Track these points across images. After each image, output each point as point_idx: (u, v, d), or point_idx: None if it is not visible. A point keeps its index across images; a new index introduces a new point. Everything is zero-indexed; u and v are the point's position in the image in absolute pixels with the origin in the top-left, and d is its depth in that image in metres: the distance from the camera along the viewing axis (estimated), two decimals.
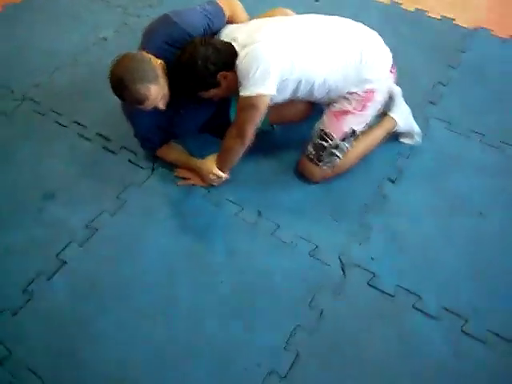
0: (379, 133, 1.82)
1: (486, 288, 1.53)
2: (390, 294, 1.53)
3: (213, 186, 1.80)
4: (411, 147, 1.91)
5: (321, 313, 1.49)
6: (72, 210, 1.80)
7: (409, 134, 1.92)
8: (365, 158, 1.84)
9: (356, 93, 1.65)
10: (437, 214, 1.72)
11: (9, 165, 1.96)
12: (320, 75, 1.61)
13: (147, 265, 1.64)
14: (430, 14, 2.54)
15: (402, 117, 1.85)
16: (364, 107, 1.67)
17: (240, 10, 1.83)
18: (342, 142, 1.70)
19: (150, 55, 1.64)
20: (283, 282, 1.57)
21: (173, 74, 1.65)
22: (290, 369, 1.38)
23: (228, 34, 1.69)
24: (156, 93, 1.58)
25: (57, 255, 1.66)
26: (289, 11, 1.92)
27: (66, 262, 1.65)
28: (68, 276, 1.62)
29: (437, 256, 1.61)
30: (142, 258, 1.66)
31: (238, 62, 1.56)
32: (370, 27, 1.73)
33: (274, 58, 1.52)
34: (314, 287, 1.55)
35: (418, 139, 1.92)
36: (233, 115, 1.72)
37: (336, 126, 1.68)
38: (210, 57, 1.57)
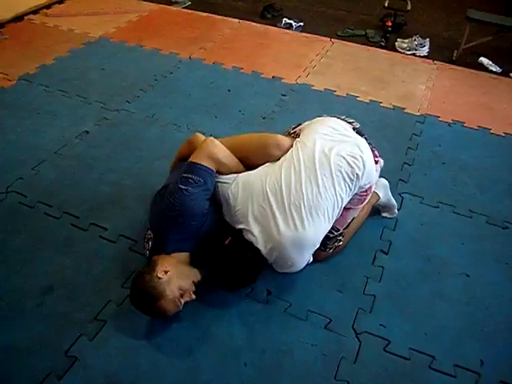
0: (367, 208, 2.00)
1: (488, 340, 1.66)
2: (405, 358, 1.61)
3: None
4: (394, 221, 2.10)
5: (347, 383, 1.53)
6: (75, 303, 1.74)
7: (388, 208, 2.12)
8: (357, 235, 1.99)
9: (356, 195, 1.78)
10: (428, 278, 1.87)
11: (1, 259, 1.88)
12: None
13: (165, 353, 1.61)
14: (383, 105, 2.91)
15: (382, 190, 2.05)
16: (364, 200, 1.83)
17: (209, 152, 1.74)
18: (345, 230, 1.86)
19: (157, 264, 1.62)
20: (304, 358, 1.60)
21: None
22: None
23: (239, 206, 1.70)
24: (167, 304, 1.57)
25: (66, 352, 1.59)
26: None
27: (77, 359, 1.57)
28: (81, 373, 1.54)
29: (438, 317, 1.73)
30: (160, 347, 1.62)
31: (268, 258, 1.67)
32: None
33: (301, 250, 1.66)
34: (334, 359, 1.59)
35: (396, 211, 2.13)
36: None
37: (341, 221, 1.80)
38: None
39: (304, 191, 1.62)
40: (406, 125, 2.73)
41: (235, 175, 1.74)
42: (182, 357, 1.60)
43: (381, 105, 2.90)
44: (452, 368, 1.58)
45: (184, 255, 1.71)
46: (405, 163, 2.43)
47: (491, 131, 2.71)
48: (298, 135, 1.86)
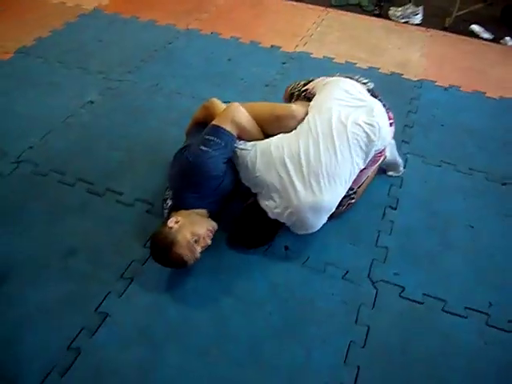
0: (375, 166, 2.07)
1: (495, 285, 1.77)
2: (419, 302, 1.71)
3: None
4: (400, 179, 2.19)
5: (368, 326, 1.63)
6: (99, 263, 1.79)
7: (394, 167, 2.19)
8: (366, 193, 2.06)
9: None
10: (436, 230, 1.97)
11: (22, 226, 1.92)
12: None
13: (192, 306, 1.68)
14: (381, 71, 2.97)
15: (389, 149, 2.12)
16: (378, 161, 1.90)
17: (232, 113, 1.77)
18: (358, 189, 1.93)
19: (170, 218, 1.67)
20: (326, 306, 1.69)
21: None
22: (355, 382, 1.48)
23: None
24: (182, 250, 1.61)
25: (96, 309, 1.64)
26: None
27: (108, 315, 1.63)
28: (113, 328, 1.60)
29: (447, 265, 1.84)
30: (186, 300, 1.69)
31: (286, 222, 1.75)
32: None
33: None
34: (354, 306, 1.69)
35: (401, 169, 2.21)
36: None
37: (355, 180, 1.84)
38: None
39: (323, 160, 1.67)
40: (405, 89, 2.81)
41: (254, 142, 1.78)
42: (209, 308, 1.68)
43: (379, 71, 2.96)
44: (463, 310, 1.69)
45: (201, 211, 1.75)
46: (406, 125, 2.51)
47: (486, 95, 2.80)
48: (310, 95, 1.91)
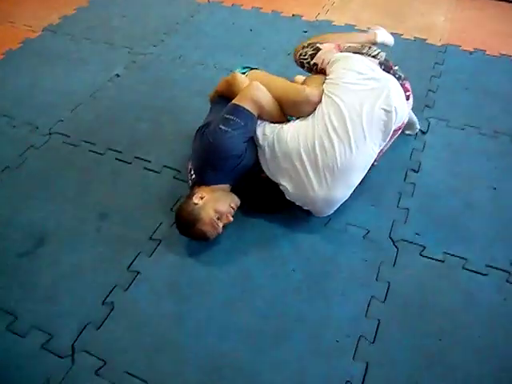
0: (394, 137, 1.97)
1: None
2: (440, 260, 1.74)
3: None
4: (423, 143, 2.19)
5: (388, 283, 1.67)
6: (129, 226, 1.88)
7: (410, 125, 2.17)
8: (387, 157, 2.02)
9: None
10: (458, 192, 1.98)
11: (56, 193, 2.02)
12: None
13: (217, 264, 1.76)
14: (404, 36, 2.93)
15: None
16: (396, 134, 1.86)
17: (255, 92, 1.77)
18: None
19: (194, 193, 1.74)
20: (348, 263, 1.74)
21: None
22: (375, 334, 1.54)
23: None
24: (205, 227, 1.69)
25: (128, 268, 1.74)
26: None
27: (139, 272, 1.72)
28: (144, 284, 1.70)
29: (469, 224, 1.86)
30: (211, 259, 1.77)
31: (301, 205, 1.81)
32: None
33: None
34: (375, 264, 1.73)
35: (417, 127, 2.20)
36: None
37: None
38: None
39: (338, 155, 1.67)
40: (429, 55, 2.77)
41: (273, 129, 1.78)
42: (234, 265, 1.75)
43: (402, 37, 2.93)
44: (484, 267, 1.71)
45: (223, 186, 1.80)
46: (429, 90, 2.50)
47: None
48: (321, 70, 1.92)
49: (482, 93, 2.48)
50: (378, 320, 1.57)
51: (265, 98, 1.78)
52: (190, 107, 2.40)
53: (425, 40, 2.90)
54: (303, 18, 3.14)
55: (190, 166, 1.89)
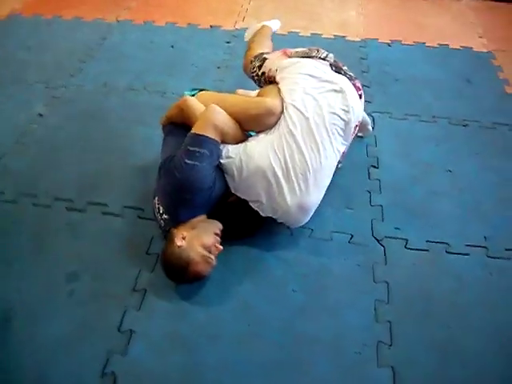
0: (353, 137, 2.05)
1: (484, 219, 1.92)
2: (425, 250, 1.81)
3: None
4: (373, 138, 2.27)
5: (386, 282, 1.70)
6: (106, 280, 1.71)
7: (363, 127, 2.23)
8: (347, 157, 2.06)
9: None
10: (419, 180, 2.07)
11: (10, 262, 1.76)
12: None
13: (215, 301, 1.66)
14: (324, 36, 3.01)
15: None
16: (355, 132, 1.87)
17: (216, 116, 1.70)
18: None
19: (174, 235, 1.63)
20: (342, 272, 1.74)
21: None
22: (391, 336, 1.55)
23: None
24: (199, 266, 1.59)
25: (118, 328, 1.57)
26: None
27: (132, 331, 1.57)
28: (142, 342, 1.54)
29: (439, 210, 1.95)
30: (206, 297, 1.67)
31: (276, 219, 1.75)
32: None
33: None
34: (368, 266, 1.75)
35: (370, 128, 2.27)
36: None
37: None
38: None
39: (308, 161, 1.66)
40: (352, 51, 2.87)
41: (238, 150, 1.71)
42: (231, 300, 1.66)
43: (322, 36, 3.01)
44: (464, 247, 1.81)
45: (199, 218, 1.70)
46: (364, 86, 2.56)
47: (427, 44, 2.94)
48: (270, 78, 1.89)
49: (411, 82, 2.63)
50: (389, 322, 1.59)
51: (225, 120, 1.70)
52: (133, 137, 2.24)
53: (344, 37, 3.00)
54: (222, 29, 3.08)
55: (157, 204, 1.75)
